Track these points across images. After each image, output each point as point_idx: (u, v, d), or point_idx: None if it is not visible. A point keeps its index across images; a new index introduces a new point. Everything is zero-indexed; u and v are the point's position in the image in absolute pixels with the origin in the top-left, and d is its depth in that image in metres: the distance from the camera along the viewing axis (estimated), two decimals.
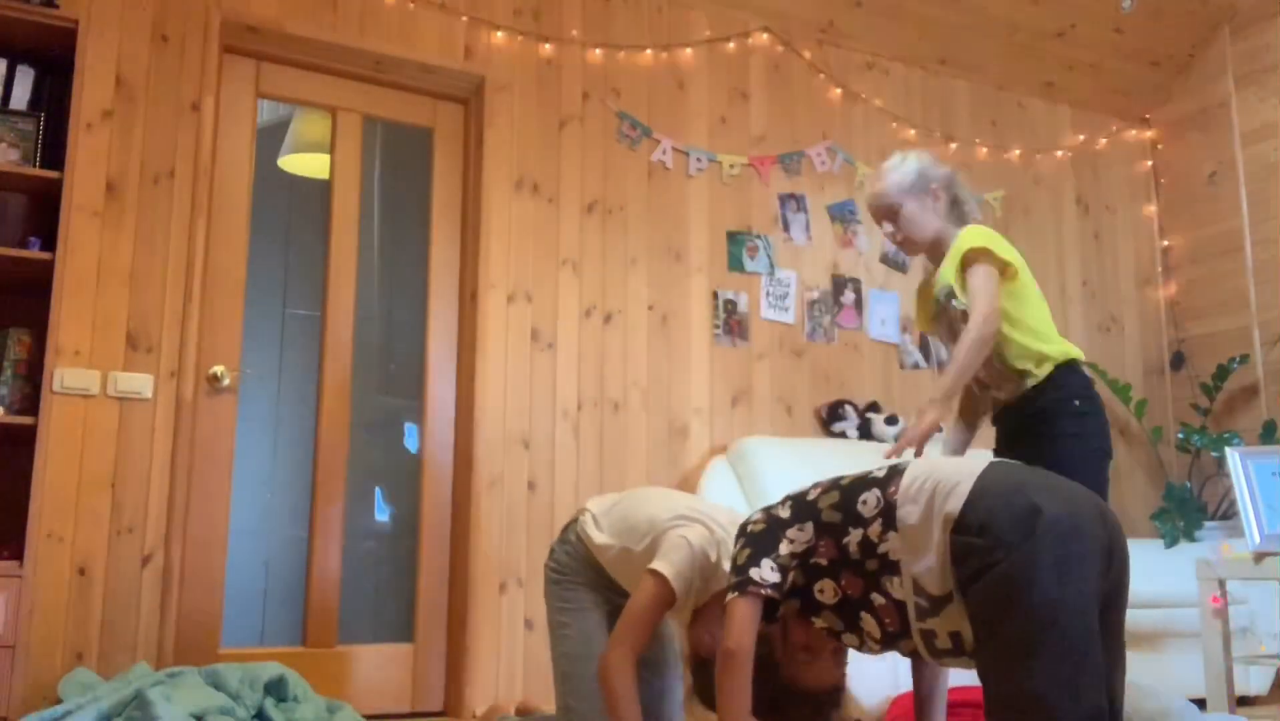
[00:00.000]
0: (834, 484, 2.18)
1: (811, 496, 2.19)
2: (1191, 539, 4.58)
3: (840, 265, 4.63)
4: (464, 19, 4.03)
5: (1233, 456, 3.46)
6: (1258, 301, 5.04)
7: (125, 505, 3.28)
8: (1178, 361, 5.33)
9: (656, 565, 2.41)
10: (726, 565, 2.40)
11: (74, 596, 3.17)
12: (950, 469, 2.03)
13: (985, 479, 1.96)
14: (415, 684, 3.74)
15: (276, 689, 3.00)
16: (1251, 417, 4.97)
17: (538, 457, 3.89)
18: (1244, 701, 4.08)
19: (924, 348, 4.77)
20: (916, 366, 4.74)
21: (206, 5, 3.60)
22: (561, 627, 2.67)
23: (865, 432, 4.42)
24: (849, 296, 4.62)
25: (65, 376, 3.23)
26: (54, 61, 3.23)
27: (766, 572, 2.12)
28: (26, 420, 2.98)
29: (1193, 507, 4.67)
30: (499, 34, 4.08)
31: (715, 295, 4.32)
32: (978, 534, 1.87)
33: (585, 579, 2.68)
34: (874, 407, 4.49)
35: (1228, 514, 4.76)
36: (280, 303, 3.84)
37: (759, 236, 4.45)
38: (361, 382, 3.87)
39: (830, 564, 2.10)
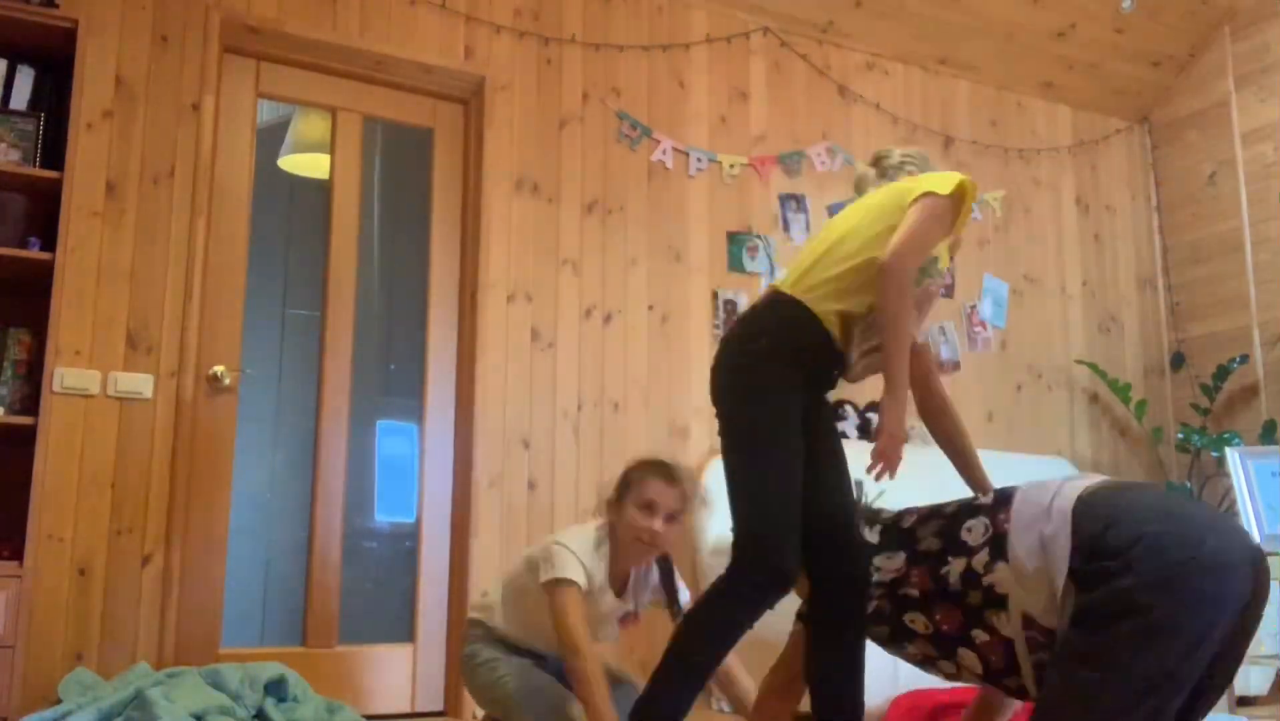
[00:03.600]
0: (935, 511, 2.05)
1: (908, 524, 2.07)
2: None
3: None
4: (464, 19, 4.03)
5: (1233, 456, 3.46)
6: (1258, 301, 5.04)
7: (125, 505, 3.28)
8: (1178, 361, 5.33)
9: (545, 577, 2.52)
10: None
11: (74, 596, 3.17)
12: (1058, 490, 1.89)
13: (1128, 502, 1.79)
14: (415, 684, 3.73)
15: (276, 689, 3.00)
16: (1251, 418, 4.96)
17: (538, 457, 3.89)
18: (1244, 701, 4.07)
19: None
20: None
21: (206, 5, 3.60)
22: (498, 680, 2.68)
23: (865, 432, 4.43)
24: None
25: (65, 376, 3.23)
26: (54, 61, 3.23)
27: None
28: (26, 420, 2.98)
29: None
30: (499, 34, 4.08)
31: (715, 295, 4.32)
32: (1112, 559, 1.72)
33: (501, 651, 2.74)
34: (874, 407, 4.49)
35: (1228, 514, 4.76)
36: (280, 303, 3.83)
37: (759, 236, 4.45)
38: (361, 383, 3.87)
39: (923, 596, 1.96)
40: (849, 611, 2.09)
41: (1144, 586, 1.68)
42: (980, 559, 1.89)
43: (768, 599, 2.08)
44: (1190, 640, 1.67)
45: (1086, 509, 1.83)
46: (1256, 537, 3.33)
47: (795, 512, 2.07)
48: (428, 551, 3.82)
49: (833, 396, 4.68)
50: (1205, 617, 1.67)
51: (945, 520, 2.01)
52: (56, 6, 3.22)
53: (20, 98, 3.21)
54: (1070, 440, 5.10)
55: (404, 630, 3.78)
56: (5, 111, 3.14)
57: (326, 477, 3.74)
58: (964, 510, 2.00)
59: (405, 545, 3.86)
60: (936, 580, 1.94)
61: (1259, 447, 4.23)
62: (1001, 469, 4.53)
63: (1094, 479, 1.94)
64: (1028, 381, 5.05)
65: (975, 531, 1.92)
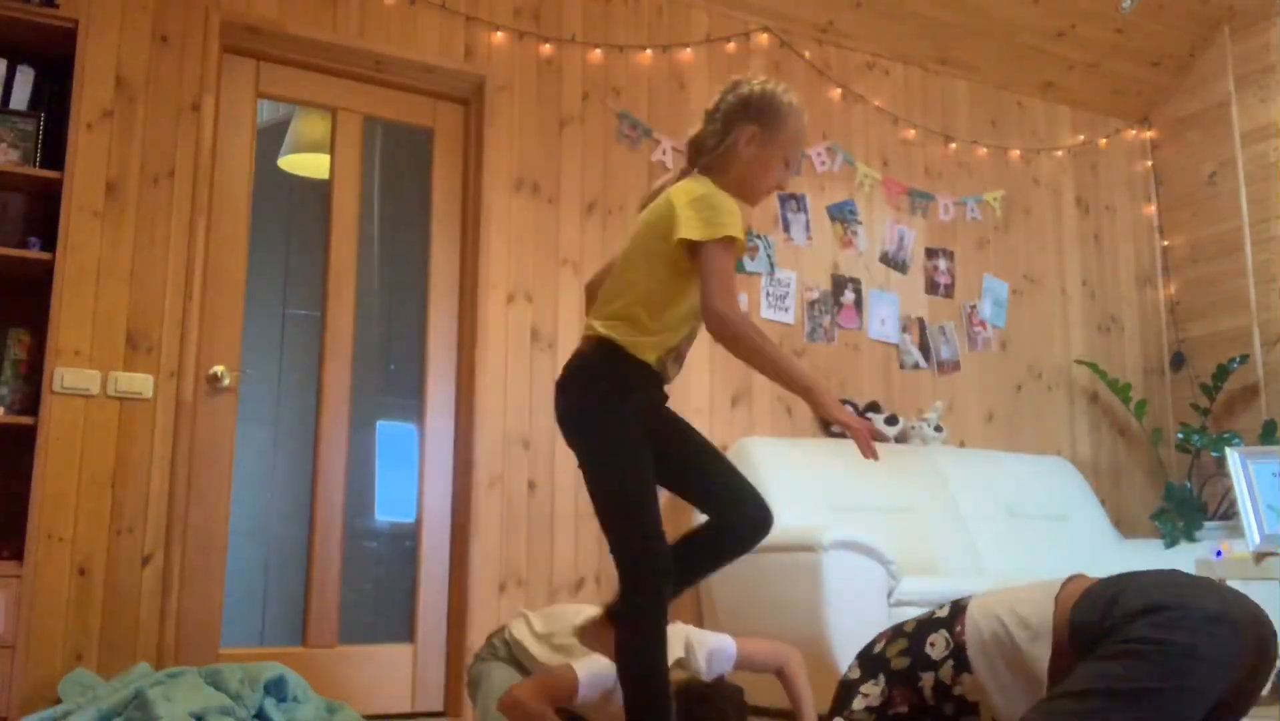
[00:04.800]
0: (898, 631, 2.13)
1: (878, 649, 2.14)
2: (1191, 539, 4.58)
3: (840, 265, 4.63)
4: (464, 19, 4.03)
5: (1233, 456, 3.45)
6: (1258, 301, 5.04)
7: (125, 505, 3.28)
8: (1178, 361, 5.33)
9: (576, 665, 2.55)
10: None
11: (74, 596, 3.17)
12: (1026, 597, 1.96)
13: (1128, 581, 1.86)
14: (415, 684, 3.73)
15: (276, 689, 3.00)
16: (1251, 418, 4.96)
17: (538, 457, 3.89)
18: None
19: (923, 347, 4.77)
20: (916, 366, 4.74)
21: (206, 5, 3.60)
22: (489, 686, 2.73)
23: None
24: (849, 296, 4.62)
25: (65, 376, 3.23)
26: (54, 61, 3.23)
27: None
28: (26, 420, 2.98)
29: (1193, 507, 4.67)
30: (499, 34, 4.08)
31: None
32: (1120, 621, 1.78)
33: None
34: (874, 407, 4.49)
35: (1228, 514, 4.76)
36: (280, 303, 3.83)
37: (759, 236, 4.45)
38: (361, 383, 3.87)
39: (911, 710, 2.05)
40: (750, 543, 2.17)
41: (1155, 626, 1.74)
42: (946, 671, 1.99)
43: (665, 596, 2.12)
44: (1196, 678, 1.71)
45: (1082, 602, 1.89)
46: (1257, 539, 3.33)
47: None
48: (428, 551, 3.82)
49: (837, 396, 4.67)
50: (1212, 661, 1.72)
51: (909, 637, 2.09)
52: (56, 6, 3.22)
53: (20, 98, 3.21)
54: (1070, 440, 5.10)
55: (404, 630, 3.78)
56: (5, 111, 3.14)
57: (326, 477, 3.74)
58: (924, 625, 2.08)
59: (405, 545, 3.86)
60: (917, 693, 2.03)
61: (1259, 448, 4.22)
62: (1002, 469, 4.56)
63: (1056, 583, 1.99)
64: (1028, 381, 5.05)
65: (938, 645, 2.02)
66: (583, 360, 2.21)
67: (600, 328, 2.18)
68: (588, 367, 2.19)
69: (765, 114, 2.38)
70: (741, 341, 2.11)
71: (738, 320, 2.10)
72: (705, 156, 2.32)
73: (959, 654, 1.96)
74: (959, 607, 2.06)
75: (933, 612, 2.11)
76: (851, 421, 2.05)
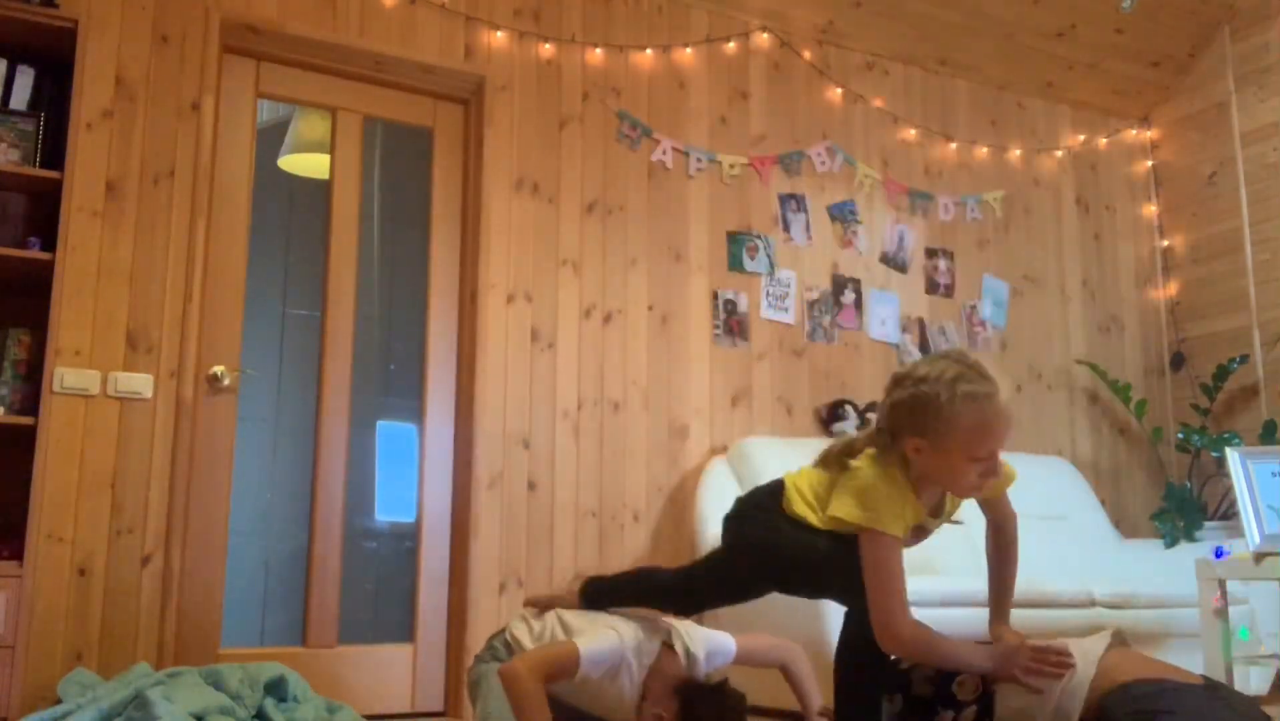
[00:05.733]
0: None
1: (905, 665, 2.11)
2: (1191, 539, 4.57)
3: (840, 265, 4.63)
4: (464, 19, 4.03)
5: (1233, 456, 3.45)
6: (1258, 301, 5.03)
7: (125, 505, 3.28)
8: (1178, 361, 5.33)
9: (575, 640, 2.53)
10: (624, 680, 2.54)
11: (74, 596, 3.17)
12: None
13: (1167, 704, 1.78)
14: (415, 684, 3.74)
15: (276, 689, 3.00)
16: (1251, 417, 4.96)
17: (538, 457, 3.89)
18: None
19: (924, 348, 4.77)
20: None
21: (206, 5, 3.60)
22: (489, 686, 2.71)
23: None
24: (849, 296, 4.62)
25: (65, 376, 3.23)
26: (54, 61, 3.23)
27: None
28: (26, 420, 2.98)
29: (1193, 507, 4.67)
30: (499, 34, 4.08)
31: (715, 295, 4.32)
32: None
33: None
34: (874, 408, 4.49)
35: (1228, 514, 4.76)
36: (280, 303, 3.83)
37: (759, 236, 4.45)
38: (361, 383, 3.87)
39: None
40: None
41: None
42: (968, 715, 1.96)
43: None
44: None
45: (1122, 696, 1.83)
46: (1257, 539, 3.33)
47: None
48: (428, 551, 3.82)
49: (833, 396, 4.67)
50: None
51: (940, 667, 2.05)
52: (56, 6, 3.22)
53: (20, 98, 3.21)
54: (1070, 440, 5.10)
55: (404, 630, 3.78)
56: (5, 111, 3.14)
57: (326, 477, 3.74)
58: None
59: (405, 545, 3.86)
60: None
61: (1259, 448, 4.22)
62: None
63: (1101, 643, 1.95)
64: (1028, 381, 5.05)
65: (967, 686, 1.97)
66: None
67: None
68: None
69: (923, 421, 2.01)
70: None
71: None
72: (886, 454, 2.09)
73: (987, 703, 1.93)
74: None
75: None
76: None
